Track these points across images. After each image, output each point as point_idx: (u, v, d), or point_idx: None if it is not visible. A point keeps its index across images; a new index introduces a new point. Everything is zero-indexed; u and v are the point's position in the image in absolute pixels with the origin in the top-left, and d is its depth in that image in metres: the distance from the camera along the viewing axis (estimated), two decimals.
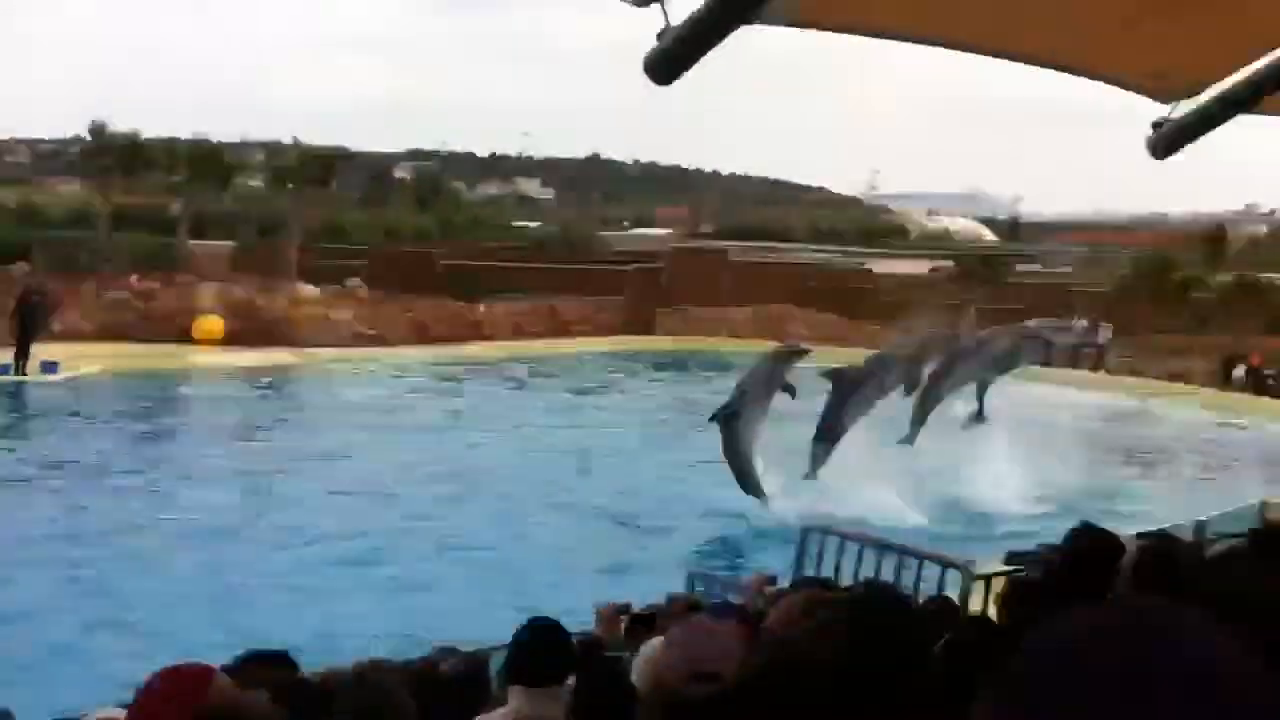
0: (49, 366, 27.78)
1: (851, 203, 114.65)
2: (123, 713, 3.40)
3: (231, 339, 33.81)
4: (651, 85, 4.10)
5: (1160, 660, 0.89)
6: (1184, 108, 5.26)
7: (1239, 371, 34.17)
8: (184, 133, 41.88)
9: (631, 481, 20.80)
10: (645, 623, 6.51)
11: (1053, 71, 5.46)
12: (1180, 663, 0.88)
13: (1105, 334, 39.75)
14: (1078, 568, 4.41)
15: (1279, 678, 0.91)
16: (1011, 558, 10.31)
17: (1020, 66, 5.30)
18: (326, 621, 12.49)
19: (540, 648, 4.38)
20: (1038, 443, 21.17)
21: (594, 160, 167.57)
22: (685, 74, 4.06)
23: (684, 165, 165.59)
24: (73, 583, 14.09)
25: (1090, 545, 4.52)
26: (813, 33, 4.59)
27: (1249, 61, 4.96)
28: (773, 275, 47.78)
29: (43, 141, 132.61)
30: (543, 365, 35.63)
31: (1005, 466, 20.54)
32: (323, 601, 13.58)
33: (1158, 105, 5.36)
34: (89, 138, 39.65)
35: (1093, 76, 5.50)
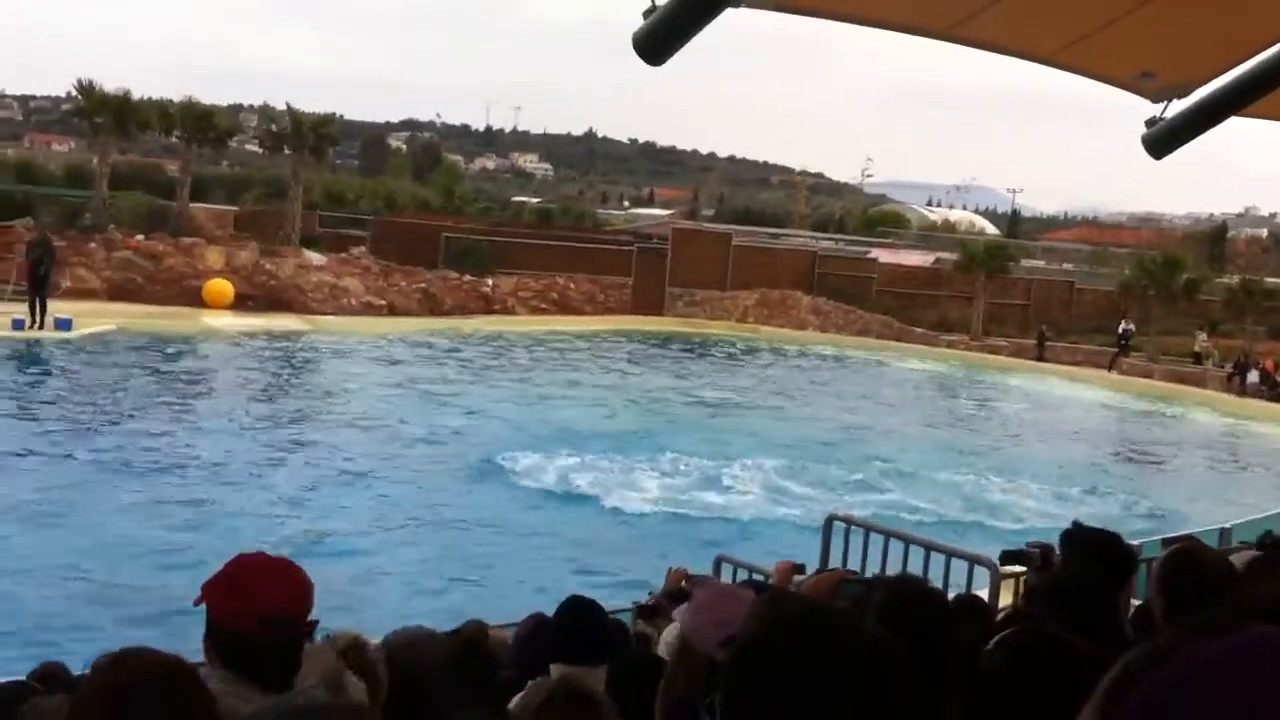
0: (63, 323, 27.63)
1: (847, 189, 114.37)
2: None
3: (239, 303, 33.50)
4: (644, 64, 4.08)
5: None
6: (1176, 107, 5.21)
7: (1253, 377, 34.00)
8: (172, 95, 40.97)
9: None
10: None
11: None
12: None
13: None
14: (1086, 567, 4.35)
15: None
16: (1005, 557, 10.03)
17: (1011, 60, 5.22)
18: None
19: (579, 626, 4.50)
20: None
21: (591, 137, 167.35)
22: (675, 53, 4.03)
23: (680, 146, 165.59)
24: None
25: (1091, 545, 4.47)
26: (804, 18, 4.60)
27: (1239, 63, 4.92)
28: (777, 260, 47.63)
29: (34, 98, 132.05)
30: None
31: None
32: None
33: (1153, 104, 5.30)
34: (79, 96, 38.85)
35: (1079, 73, 5.44)
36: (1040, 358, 39.55)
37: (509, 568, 14.41)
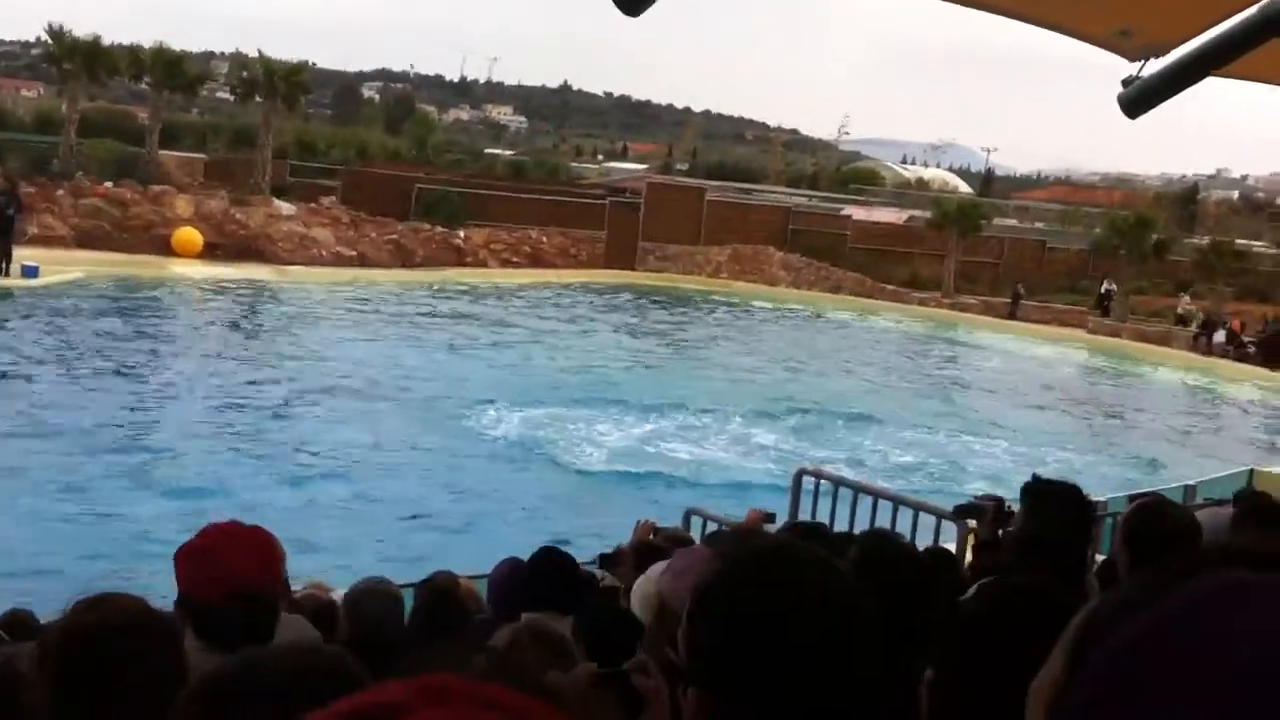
0: (30, 270, 27.32)
1: (822, 146, 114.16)
2: None
3: (208, 252, 33.26)
4: (622, 16, 4.01)
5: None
6: (1153, 66, 5.14)
7: (1219, 337, 34.28)
8: (142, 41, 40.34)
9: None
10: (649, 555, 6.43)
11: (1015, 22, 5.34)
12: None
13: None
14: (1046, 519, 4.33)
15: None
16: (959, 511, 10.17)
17: (987, 15, 5.13)
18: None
19: (551, 576, 4.59)
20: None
21: (566, 89, 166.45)
22: (653, 4, 3.95)
23: (655, 100, 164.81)
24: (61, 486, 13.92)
25: (1051, 497, 4.41)
26: None
27: (1217, 22, 4.85)
28: (751, 216, 47.56)
29: (2, 43, 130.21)
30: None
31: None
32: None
33: (1129, 62, 5.23)
34: (49, 41, 38.32)
35: (1057, 29, 5.38)
36: (1013, 315, 39.71)
37: (473, 521, 14.43)
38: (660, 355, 28.45)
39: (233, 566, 2.87)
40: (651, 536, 7.28)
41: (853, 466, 16.84)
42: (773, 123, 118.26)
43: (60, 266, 28.58)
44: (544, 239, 41.98)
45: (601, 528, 12.43)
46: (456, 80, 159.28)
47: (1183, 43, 5.10)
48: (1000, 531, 5.33)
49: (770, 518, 7.56)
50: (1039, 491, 4.49)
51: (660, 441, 19.09)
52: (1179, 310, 39.25)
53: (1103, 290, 40.44)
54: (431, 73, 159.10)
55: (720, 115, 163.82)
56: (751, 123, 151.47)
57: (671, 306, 37.43)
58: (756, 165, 76.70)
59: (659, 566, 3.95)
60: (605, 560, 6.70)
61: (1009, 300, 40.69)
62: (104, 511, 13.33)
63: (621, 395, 22.22)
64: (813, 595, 1.56)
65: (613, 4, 4.01)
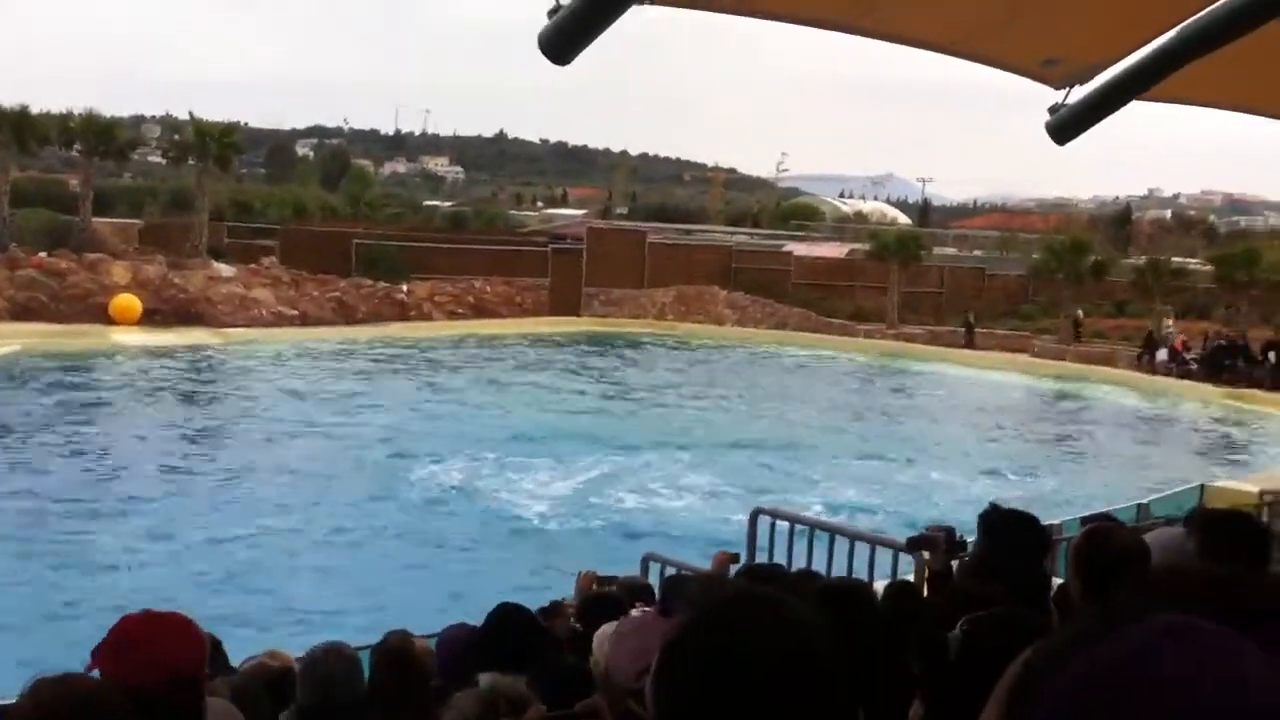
0: None
1: (760, 184, 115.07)
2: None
3: (148, 318, 32.87)
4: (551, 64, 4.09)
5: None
6: (1078, 93, 5.28)
7: (1162, 355, 34.66)
8: (72, 108, 39.94)
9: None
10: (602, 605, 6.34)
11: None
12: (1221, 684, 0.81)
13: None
14: (1001, 547, 4.38)
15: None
16: (911, 542, 10.21)
17: (915, 50, 5.27)
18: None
19: (509, 634, 4.49)
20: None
21: (501, 138, 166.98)
22: (581, 52, 4.02)
23: (592, 145, 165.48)
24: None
25: (1008, 524, 4.47)
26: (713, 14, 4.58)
27: (1139, 47, 4.98)
28: (693, 256, 47.81)
29: None
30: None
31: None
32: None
33: (1055, 90, 5.37)
34: None
35: (982, 62, 5.51)
36: (971, 344, 39.58)
37: (422, 579, 14.23)
38: (607, 400, 28.36)
39: (154, 651, 2.82)
40: (595, 587, 7.14)
41: (808, 503, 16.80)
42: (709, 162, 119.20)
43: None
44: (488, 289, 41.91)
45: (553, 579, 12.29)
46: (391, 133, 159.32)
47: (1105, 69, 5.18)
48: (953, 562, 5.32)
49: (736, 559, 7.55)
50: (995, 519, 4.50)
51: (611, 489, 18.98)
52: (1164, 331, 38.88)
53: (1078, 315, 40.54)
54: (366, 127, 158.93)
55: (658, 157, 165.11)
56: (689, 164, 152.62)
57: (617, 350, 37.36)
58: (696, 206, 77.21)
59: (614, 633, 3.88)
60: (542, 614, 6.58)
61: (955, 329, 40.78)
62: (38, 587, 13.03)
63: (570, 443, 22.10)
64: (783, 644, 1.52)
65: (539, 51, 4.04)
